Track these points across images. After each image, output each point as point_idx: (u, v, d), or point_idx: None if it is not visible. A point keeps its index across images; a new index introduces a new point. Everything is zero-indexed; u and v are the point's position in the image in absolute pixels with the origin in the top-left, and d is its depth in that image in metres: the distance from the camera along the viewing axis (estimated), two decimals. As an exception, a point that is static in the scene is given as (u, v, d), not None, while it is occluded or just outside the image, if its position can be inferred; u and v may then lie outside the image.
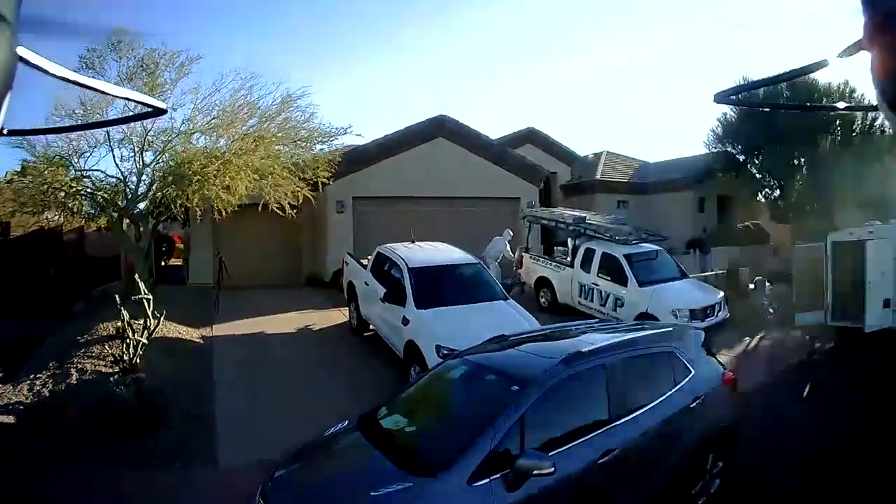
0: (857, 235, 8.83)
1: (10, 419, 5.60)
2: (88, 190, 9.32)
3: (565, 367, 3.34)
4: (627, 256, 8.87)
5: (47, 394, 6.08)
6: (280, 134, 9.63)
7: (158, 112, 1.22)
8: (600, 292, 9.08)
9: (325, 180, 10.25)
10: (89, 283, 11.40)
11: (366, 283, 7.49)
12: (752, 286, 11.75)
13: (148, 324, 6.26)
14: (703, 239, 14.41)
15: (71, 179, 9.25)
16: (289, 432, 4.33)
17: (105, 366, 6.51)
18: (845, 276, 8.64)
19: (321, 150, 10.29)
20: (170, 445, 5.09)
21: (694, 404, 3.77)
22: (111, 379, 5.64)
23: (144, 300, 6.26)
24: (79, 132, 9.31)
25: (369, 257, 7.91)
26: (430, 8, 50.26)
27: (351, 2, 49.99)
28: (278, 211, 9.22)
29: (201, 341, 7.57)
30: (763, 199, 18.42)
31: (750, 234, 18.29)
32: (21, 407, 5.85)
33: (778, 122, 16.33)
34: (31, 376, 6.49)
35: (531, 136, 17.38)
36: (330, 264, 11.32)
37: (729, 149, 18.26)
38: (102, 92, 1.05)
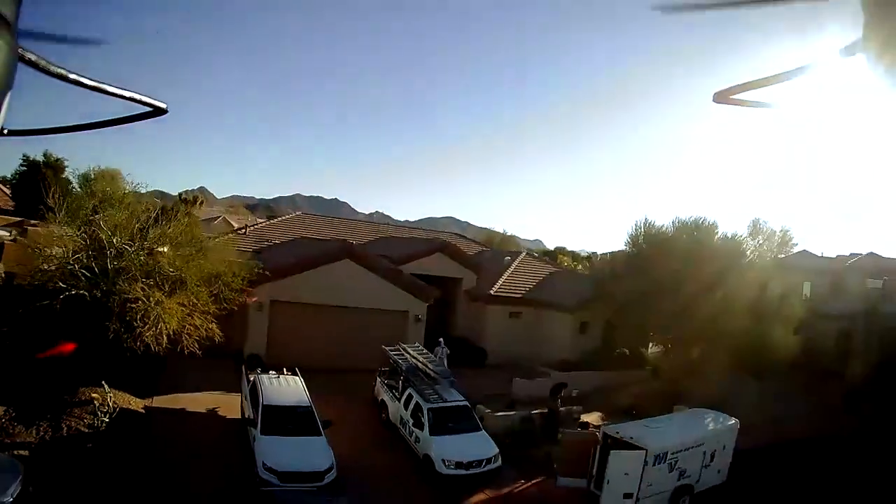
0: (622, 434, 11.13)
1: (25, 452, 11.79)
2: (70, 280, 15.35)
3: None
4: (431, 410, 12.92)
5: (48, 439, 12.28)
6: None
7: (159, 112, 1.34)
8: (410, 428, 13.38)
9: (243, 286, 15.87)
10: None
11: (245, 398, 13.51)
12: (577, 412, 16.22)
13: (109, 409, 12.48)
14: (560, 387, 16.33)
15: (57, 265, 15.09)
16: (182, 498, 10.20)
17: (83, 426, 12.67)
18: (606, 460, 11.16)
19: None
20: (111, 489, 11.17)
21: None
22: (86, 446, 11.82)
23: (109, 395, 12.46)
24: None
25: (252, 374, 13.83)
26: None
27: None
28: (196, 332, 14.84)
29: (143, 412, 13.72)
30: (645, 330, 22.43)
31: (625, 359, 21.87)
32: (32, 445, 12.03)
33: (659, 264, 21.01)
34: (38, 423, 12.66)
35: (442, 247, 23.36)
36: (247, 349, 17.44)
37: (611, 279, 21.95)
38: (102, 91, 1.14)
